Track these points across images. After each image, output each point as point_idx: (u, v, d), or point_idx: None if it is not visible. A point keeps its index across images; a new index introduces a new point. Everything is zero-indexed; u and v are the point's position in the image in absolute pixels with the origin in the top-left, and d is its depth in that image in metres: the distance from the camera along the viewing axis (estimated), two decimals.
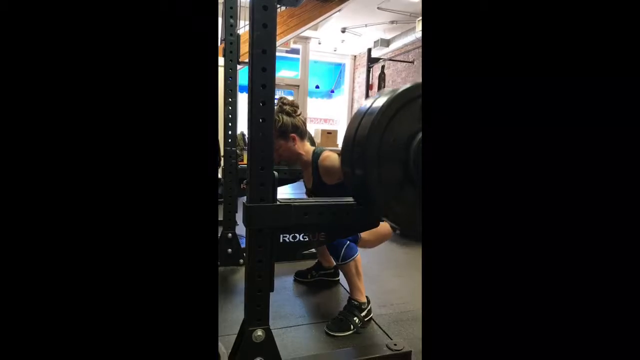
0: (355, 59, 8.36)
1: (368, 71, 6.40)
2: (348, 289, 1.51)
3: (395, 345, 1.19)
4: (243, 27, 4.68)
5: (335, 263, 1.65)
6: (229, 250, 2.04)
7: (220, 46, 3.50)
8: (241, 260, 2.06)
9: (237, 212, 2.05)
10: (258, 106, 0.85)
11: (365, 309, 1.45)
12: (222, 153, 2.12)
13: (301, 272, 1.90)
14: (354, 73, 8.42)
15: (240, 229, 1.35)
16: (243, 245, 2.00)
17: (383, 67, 6.72)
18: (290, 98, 1.63)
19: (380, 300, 1.66)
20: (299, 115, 1.56)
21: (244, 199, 0.99)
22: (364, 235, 1.52)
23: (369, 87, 6.49)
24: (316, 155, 1.56)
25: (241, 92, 2.32)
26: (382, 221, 1.05)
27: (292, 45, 6.42)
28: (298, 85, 7.00)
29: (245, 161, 1.57)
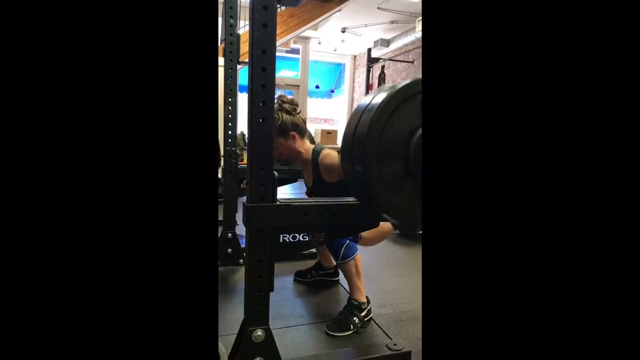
0: (355, 59, 8.35)
1: (368, 71, 6.39)
2: (348, 289, 1.51)
3: (395, 345, 1.19)
4: (243, 27, 4.68)
5: (335, 263, 1.65)
6: (229, 250, 2.04)
7: (220, 46, 3.50)
8: (241, 260, 2.06)
9: (237, 212, 2.05)
10: (258, 106, 0.85)
11: (365, 309, 1.45)
12: (222, 153, 2.11)
13: (301, 272, 1.90)
14: (354, 73, 8.41)
15: (240, 229, 1.35)
16: (243, 245, 2.00)
17: (383, 67, 6.71)
18: (289, 97, 1.63)
19: (380, 300, 1.66)
20: (299, 113, 1.56)
21: (244, 199, 0.99)
22: (364, 233, 1.52)
23: (369, 87, 6.47)
24: (316, 153, 1.56)
25: (241, 92, 2.32)
26: (382, 220, 1.05)
27: (292, 45, 6.42)
28: (298, 85, 7.00)
29: (245, 161, 1.57)
